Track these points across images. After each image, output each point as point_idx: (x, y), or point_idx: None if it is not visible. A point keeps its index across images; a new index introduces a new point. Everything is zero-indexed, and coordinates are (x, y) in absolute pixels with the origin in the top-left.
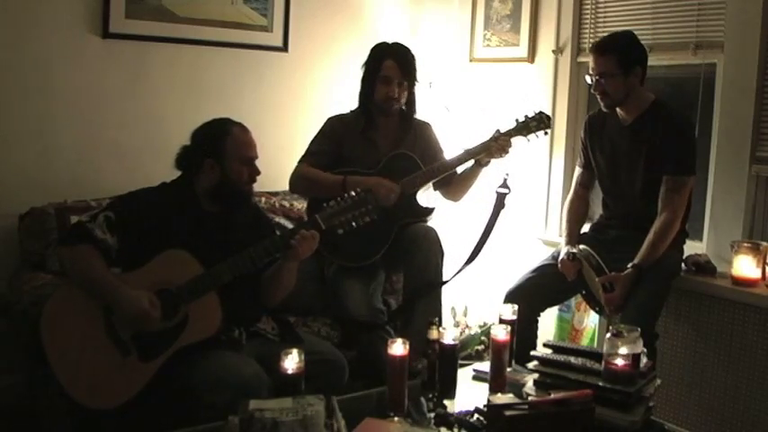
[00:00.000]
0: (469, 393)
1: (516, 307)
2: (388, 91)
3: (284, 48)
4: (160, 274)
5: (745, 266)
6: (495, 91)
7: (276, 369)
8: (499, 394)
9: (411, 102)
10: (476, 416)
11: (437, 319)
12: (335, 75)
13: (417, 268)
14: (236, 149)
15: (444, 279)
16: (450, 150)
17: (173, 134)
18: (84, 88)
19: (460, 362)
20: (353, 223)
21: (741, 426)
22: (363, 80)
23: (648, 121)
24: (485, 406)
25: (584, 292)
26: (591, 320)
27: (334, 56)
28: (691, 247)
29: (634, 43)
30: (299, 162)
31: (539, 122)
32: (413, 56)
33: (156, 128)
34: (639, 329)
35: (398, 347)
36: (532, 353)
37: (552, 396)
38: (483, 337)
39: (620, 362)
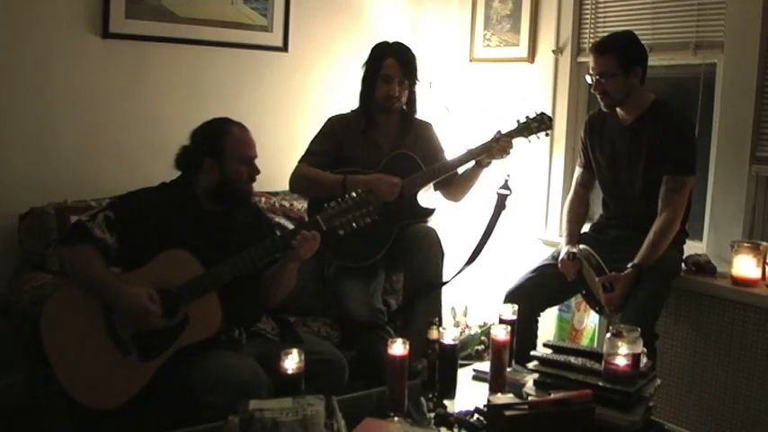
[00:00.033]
0: (469, 393)
1: (516, 307)
2: (388, 89)
3: (284, 48)
4: (160, 274)
5: (745, 266)
6: (495, 91)
7: (276, 369)
8: (499, 394)
9: (412, 102)
10: (476, 416)
11: (437, 319)
12: (335, 75)
13: (417, 269)
14: (236, 149)
15: (444, 280)
16: (450, 150)
17: (173, 134)
18: (84, 88)
19: (460, 362)
20: (354, 224)
21: (741, 426)
22: (364, 79)
23: (648, 121)
24: (485, 406)
25: (584, 291)
26: (591, 320)
27: (334, 56)
28: (691, 247)
29: (634, 43)
30: (300, 162)
31: (540, 123)
32: (413, 55)
33: (156, 128)
34: (639, 329)
35: (398, 347)
36: (532, 353)
37: (552, 396)
38: (483, 337)
39: (620, 362)
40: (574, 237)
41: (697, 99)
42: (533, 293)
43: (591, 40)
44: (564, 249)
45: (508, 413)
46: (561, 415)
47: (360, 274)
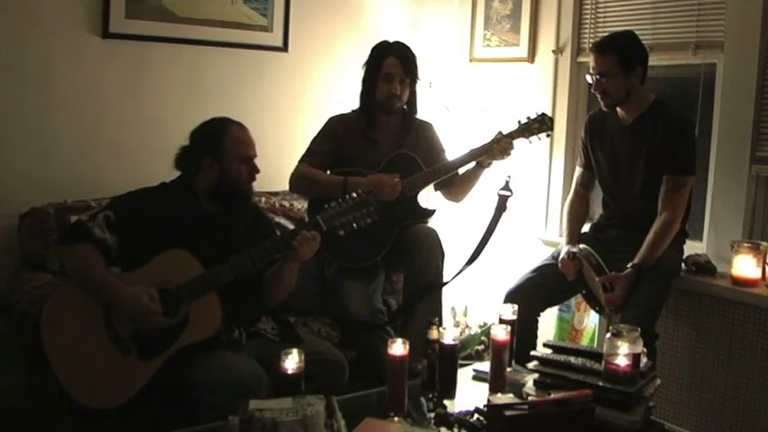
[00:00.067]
0: (469, 393)
1: (516, 307)
2: (390, 88)
3: (284, 48)
4: (160, 274)
5: (745, 266)
6: (495, 91)
7: (276, 369)
8: (499, 394)
9: (412, 102)
10: (476, 416)
11: (437, 319)
12: (335, 75)
13: (418, 269)
14: (235, 147)
15: (445, 280)
16: (451, 151)
17: (172, 134)
18: (84, 88)
19: (460, 362)
20: (355, 224)
21: (741, 426)
22: (365, 79)
23: (649, 121)
24: (485, 406)
25: (584, 291)
26: (591, 320)
27: (334, 56)
28: (691, 247)
29: (635, 43)
30: (300, 161)
31: (541, 124)
32: (414, 54)
33: (156, 128)
34: (639, 329)
35: (398, 347)
36: (532, 353)
37: (552, 396)
38: (483, 337)
39: (620, 362)
40: (574, 236)
41: (697, 99)
42: (533, 293)
43: (591, 40)
44: (564, 249)
45: (508, 413)
46: (561, 415)
47: (360, 275)
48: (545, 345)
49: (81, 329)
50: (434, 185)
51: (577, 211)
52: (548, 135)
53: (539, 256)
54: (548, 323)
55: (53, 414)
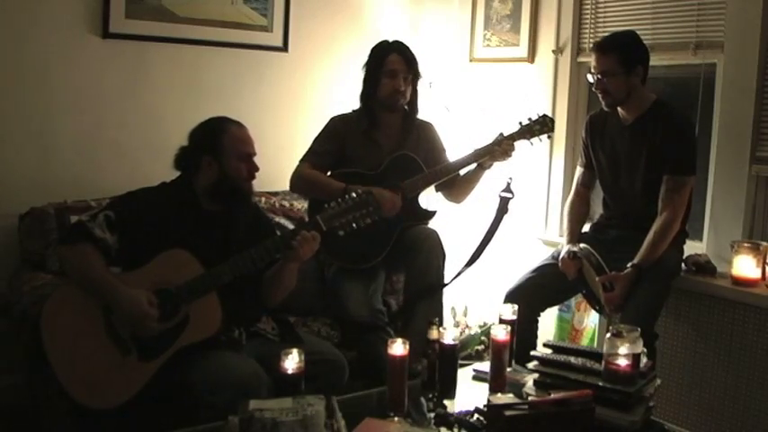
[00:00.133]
0: (469, 393)
1: (516, 307)
2: (394, 84)
3: (284, 48)
4: (160, 274)
5: (745, 266)
6: (495, 91)
7: (276, 369)
8: (499, 394)
9: (413, 101)
10: (476, 416)
11: (437, 319)
12: (335, 75)
13: (419, 270)
14: (234, 146)
15: (445, 281)
16: (451, 151)
17: (172, 134)
18: (84, 88)
19: (460, 362)
20: (354, 224)
21: (741, 426)
22: (366, 79)
23: (649, 121)
24: (485, 406)
25: (584, 291)
26: (591, 320)
27: (334, 56)
28: (691, 247)
29: (636, 43)
30: (301, 161)
31: (542, 126)
32: (414, 52)
33: (156, 128)
34: (639, 329)
35: (398, 347)
36: (532, 353)
37: (552, 396)
38: (483, 337)
39: (620, 362)
40: (574, 236)
41: (697, 99)
42: (533, 293)
43: (591, 40)
44: (565, 248)
45: (508, 413)
46: (561, 415)
47: (360, 275)
48: (545, 345)
49: (81, 329)
50: (435, 186)
51: (578, 211)
52: (549, 136)
53: (539, 256)
54: (548, 323)
55: (53, 414)
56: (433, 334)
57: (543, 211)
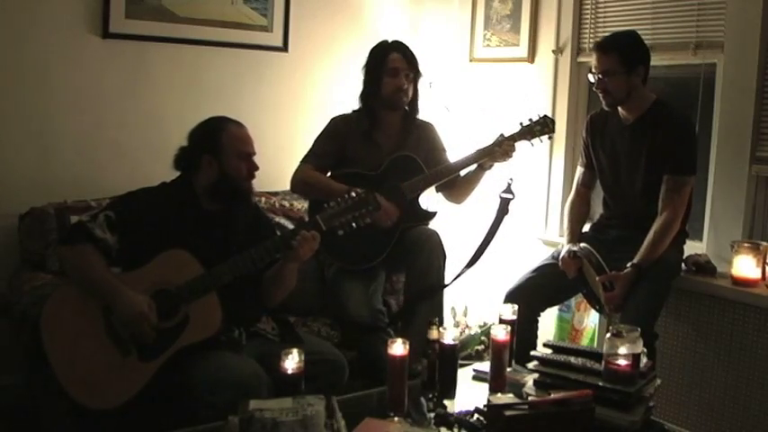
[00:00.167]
0: (469, 393)
1: (516, 307)
2: (396, 82)
3: (284, 48)
4: (160, 274)
5: (745, 266)
6: (495, 91)
7: (276, 369)
8: (499, 394)
9: (414, 101)
10: (476, 416)
11: (437, 319)
12: (335, 75)
13: (419, 271)
14: (233, 144)
15: (446, 282)
16: (451, 151)
17: (173, 134)
18: (84, 88)
19: (460, 362)
20: (354, 224)
21: (741, 426)
22: (367, 78)
23: (650, 121)
24: (485, 406)
25: (584, 290)
26: (591, 320)
27: (334, 56)
28: (691, 247)
29: (637, 42)
30: (302, 162)
31: (543, 126)
32: (413, 51)
33: (156, 128)
34: (639, 329)
35: (398, 347)
36: (532, 353)
37: (552, 396)
38: (483, 337)
39: (620, 362)
40: (575, 236)
41: (697, 99)
42: (533, 293)
43: (591, 40)
44: (565, 247)
45: (508, 413)
46: (561, 415)
47: (360, 275)
48: (545, 345)
49: (81, 330)
50: (436, 187)
51: (578, 211)
52: (549, 137)
53: (539, 256)
54: (548, 323)
55: (53, 414)
56: (433, 334)
57: (543, 211)
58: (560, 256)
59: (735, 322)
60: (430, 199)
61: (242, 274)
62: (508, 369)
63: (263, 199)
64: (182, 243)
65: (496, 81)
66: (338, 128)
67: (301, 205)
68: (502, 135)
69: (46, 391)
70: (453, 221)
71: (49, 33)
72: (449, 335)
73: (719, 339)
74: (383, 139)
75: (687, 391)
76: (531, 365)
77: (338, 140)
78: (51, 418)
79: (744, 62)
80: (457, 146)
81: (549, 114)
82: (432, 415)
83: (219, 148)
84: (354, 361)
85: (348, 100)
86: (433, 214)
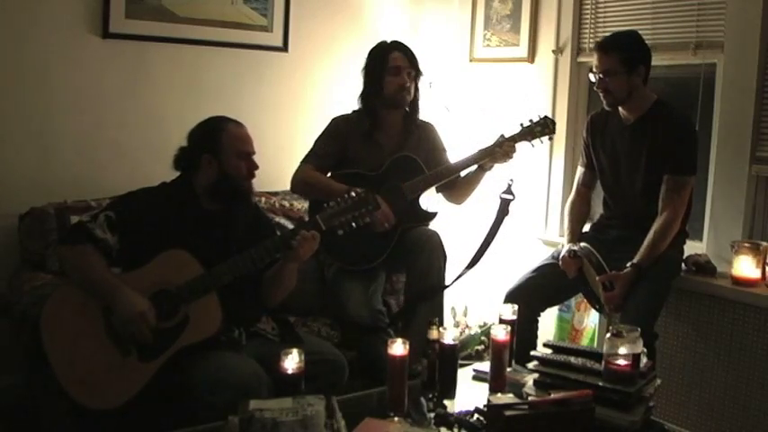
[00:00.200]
0: (469, 393)
1: (516, 307)
2: (399, 80)
3: (284, 48)
4: (160, 274)
5: (745, 266)
6: (495, 91)
7: (276, 369)
8: (499, 394)
9: (415, 101)
10: (476, 416)
11: (437, 319)
12: (335, 75)
13: (420, 272)
14: (233, 144)
15: (446, 283)
16: (451, 151)
17: (173, 134)
18: (84, 88)
19: (460, 362)
20: (354, 224)
21: (741, 426)
22: (368, 79)
23: (650, 121)
24: (485, 406)
25: (584, 290)
26: (591, 320)
27: (334, 56)
28: (691, 247)
29: (638, 42)
30: (302, 162)
31: (543, 127)
32: (413, 51)
33: (156, 128)
34: (639, 329)
35: (398, 347)
36: (532, 353)
37: (552, 396)
38: (483, 337)
39: (620, 362)
40: (575, 235)
41: (697, 99)
42: (533, 293)
43: (591, 40)
44: (565, 247)
45: (508, 413)
46: (561, 415)
47: (360, 276)
48: (545, 345)
49: (81, 330)
50: (436, 188)
51: (579, 211)
52: (550, 138)
53: (539, 256)
54: (548, 323)
55: (53, 414)
56: (433, 334)
57: (543, 212)
58: (560, 256)
59: (735, 322)
60: (430, 199)
61: (242, 274)
62: (508, 369)
63: (263, 199)
64: (182, 243)
65: (496, 81)
66: (339, 128)
67: (301, 205)
68: (502, 136)
69: (46, 391)
70: (454, 222)
71: (49, 33)
72: (449, 335)
73: (719, 339)
74: (384, 139)
75: (687, 391)
76: (531, 365)
77: (339, 141)
78: (51, 418)
79: (744, 62)
80: (457, 146)
81: (549, 115)
82: (432, 415)
83: (219, 147)
84: (354, 361)
85: (348, 100)
86: (433, 215)
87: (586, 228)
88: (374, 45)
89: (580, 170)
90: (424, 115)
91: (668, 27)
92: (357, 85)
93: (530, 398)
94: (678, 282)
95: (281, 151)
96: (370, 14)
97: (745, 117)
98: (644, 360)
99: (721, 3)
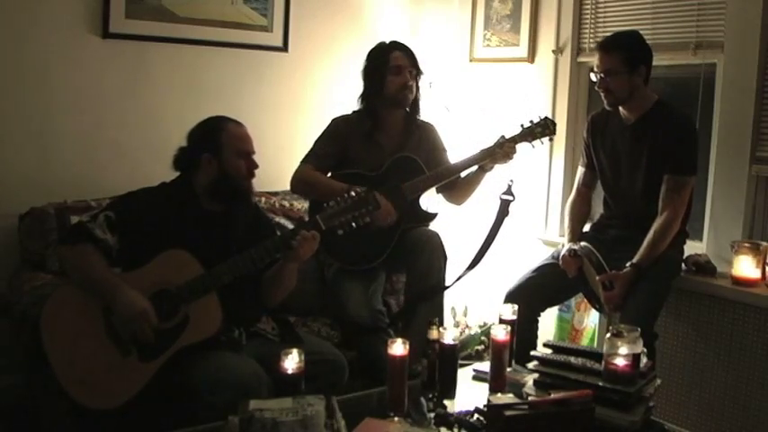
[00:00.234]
0: (469, 393)
1: (516, 307)
2: (401, 79)
3: (284, 48)
4: (160, 274)
5: (745, 266)
6: (495, 91)
7: (276, 369)
8: (499, 394)
9: (416, 101)
10: (476, 416)
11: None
12: (335, 75)
13: (420, 272)
14: (232, 143)
15: (446, 284)
16: (451, 151)
17: (173, 134)
18: (84, 88)
19: (460, 362)
20: (354, 224)
21: (741, 426)
22: (370, 79)
23: (651, 121)
24: (485, 406)
25: (584, 289)
26: (591, 320)
27: (334, 56)
28: (691, 247)
29: (640, 42)
30: (302, 162)
31: (544, 128)
32: (413, 50)
33: (156, 128)
34: (639, 329)
35: (398, 347)
36: (532, 353)
37: (552, 396)
38: (483, 337)
39: (620, 362)
40: (575, 235)
41: (697, 99)
42: (533, 293)
43: (591, 40)
44: (566, 246)
45: (508, 413)
46: (561, 415)
47: (360, 276)
48: (545, 345)
49: (81, 330)
50: (436, 188)
51: (579, 211)
52: (550, 139)
53: (539, 256)
54: (548, 323)
55: (53, 414)
56: (433, 334)
57: (543, 211)
58: (561, 255)
59: (735, 322)
60: (430, 200)
61: (242, 274)
62: (508, 369)
63: (263, 199)
64: (182, 243)
65: (496, 81)
66: (339, 129)
67: (301, 205)
68: (503, 136)
69: (46, 391)
70: (454, 223)
71: (49, 33)
72: (449, 335)
73: (719, 339)
74: (385, 139)
75: (687, 391)
76: (531, 365)
77: (339, 142)
78: (51, 418)
79: (744, 62)
80: (457, 146)
81: (549, 115)
82: (432, 415)
83: (219, 146)
84: (354, 361)
85: (348, 100)
86: (433, 215)
87: (586, 228)
88: (373, 47)
89: (580, 170)
90: (424, 115)
91: (668, 27)
92: (357, 85)
93: (530, 398)
94: (678, 282)
95: (281, 151)
96: (370, 15)
97: (745, 117)
98: (644, 360)
99: (721, 3)
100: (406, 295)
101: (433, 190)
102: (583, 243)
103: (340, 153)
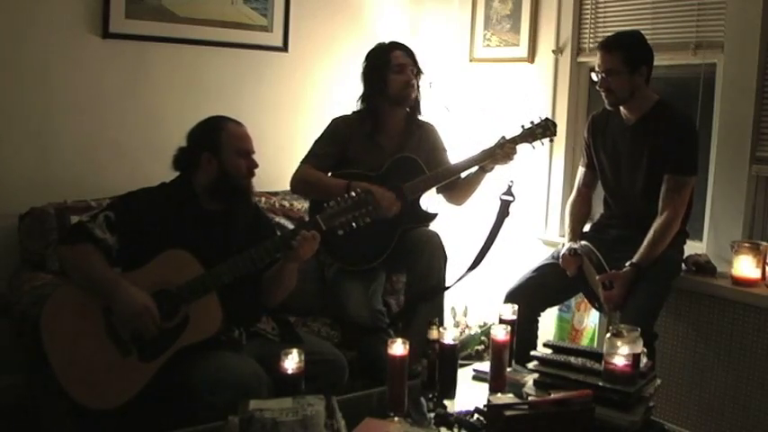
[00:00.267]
0: (469, 393)
1: (516, 307)
2: (404, 78)
3: (284, 48)
4: (160, 274)
5: (745, 266)
6: (495, 91)
7: (276, 369)
8: (499, 394)
9: (417, 101)
10: (476, 416)
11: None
12: (335, 75)
13: (420, 273)
14: (232, 142)
15: (447, 284)
16: (451, 151)
17: (173, 134)
18: (84, 88)
19: (460, 362)
20: (354, 224)
21: (741, 426)
22: (372, 79)
23: (651, 121)
24: (485, 406)
25: (584, 289)
26: (591, 320)
27: (334, 56)
28: (691, 247)
29: (641, 42)
30: (302, 162)
31: (544, 129)
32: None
33: (156, 128)
34: (639, 329)
35: (398, 347)
36: (532, 353)
37: (552, 396)
38: (483, 337)
39: (620, 362)
40: (576, 235)
41: (697, 99)
42: (533, 293)
43: (591, 40)
44: (566, 245)
45: (508, 413)
46: (561, 415)
47: (360, 276)
48: (545, 345)
49: (81, 330)
50: (436, 189)
51: (579, 211)
52: (551, 140)
53: (539, 256)
54: (548, 323)
55: (53, 414)
56: (433, 334)
57: (543, 212)
58: (561, 254)
59: (735, 322)
60: (431, 200)
61: (242, 274)
62: (508, 369)
63: (263, 199)
64: (182, 243)
65: (496, 81)
66: (339, 129)
67: (301, 205)
68: (503, 137)
69: (46, 391)
70: (454, 223)
71: (49, 33)
72: (449, 335)
73: (719, 339)
74: (385, 140)
75: (687, 391)
76: (531, 365)
77: (339, 142)
78: (51, 418)
79: (744, 62)
80: (457, 146)
81: (550, 115)
82: (432, 415)
83: (219, 145)
84: (354, 361)
85: (348, 100)
86: (433, 216)
87: (587, 227)
88: (372, 47)
89: (581, 170)
90: (424, 115)
91: (668, 27)
92: (357, 85)
93: (530, 398)
94: (678, 282)
95: (281, 151)
96: (370, 15)
97: (745, 117)
98: (644, 360)
99: (721, 3)
100: (406, 295)
101: (433, 190)
102: (583, 242)
103: (340, 153)
